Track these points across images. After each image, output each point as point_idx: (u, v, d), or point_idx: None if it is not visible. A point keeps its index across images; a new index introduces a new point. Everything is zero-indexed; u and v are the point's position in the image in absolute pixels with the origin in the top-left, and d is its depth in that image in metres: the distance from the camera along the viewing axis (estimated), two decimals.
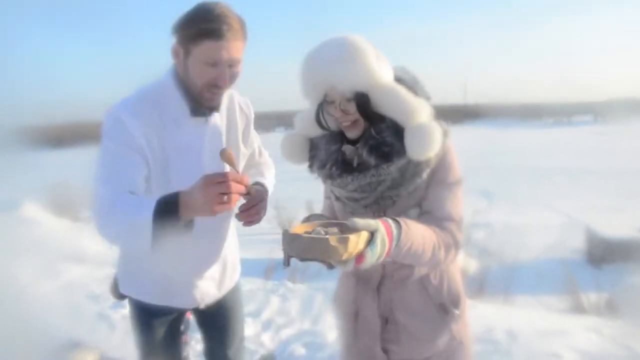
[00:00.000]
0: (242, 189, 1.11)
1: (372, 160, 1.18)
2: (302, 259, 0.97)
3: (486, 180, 10.42)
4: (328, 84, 1.18)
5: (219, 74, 1.34)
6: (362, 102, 1.17)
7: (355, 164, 1.24)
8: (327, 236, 0.95)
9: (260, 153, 1.77)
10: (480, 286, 4.37)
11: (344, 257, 0.94)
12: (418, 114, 1.16)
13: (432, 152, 1.15)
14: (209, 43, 1.30)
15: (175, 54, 1.37)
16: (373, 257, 0.97)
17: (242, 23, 1.35)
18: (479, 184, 9.96)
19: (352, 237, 0.94)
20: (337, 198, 1.33)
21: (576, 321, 3.24)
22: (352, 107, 1.19)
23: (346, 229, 1.02)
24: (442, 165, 1.21)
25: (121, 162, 1.30)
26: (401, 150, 1.17)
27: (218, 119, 1.48)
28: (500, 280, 4.45)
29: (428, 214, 1.21)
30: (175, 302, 1.62)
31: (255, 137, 1.71)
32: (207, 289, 1.63)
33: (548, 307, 4.17)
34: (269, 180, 1.71)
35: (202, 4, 1.33)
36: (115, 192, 1.23)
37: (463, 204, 1.23)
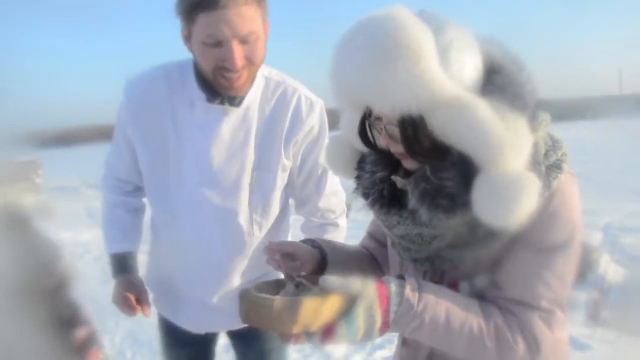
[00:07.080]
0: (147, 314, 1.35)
1: (423, 212, 0.78)
2: (253, 325, 0.75)
3: None
4: (364, 99, 0.79)
5: (225, 54, 1.09)
6: (410, 133, 0.75)
7: (409, 205, 0.84)
8: (274, 297, 0.70)
9: (320, 191, 1.36)
10: (628, 300, 3.82)
11: (294, 329, 0.68)
12: (504, 153, 0.71)
13: (514, 220, 0.72)
14: (204, 17, 1.06)
15: (184, 37, 1.17)
16: (351, 334, 0.71)
17: None
18: (633, 183, 8.82)
19: (307, 302, 0.68)
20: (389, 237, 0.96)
21: None
22: None
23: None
24: (539, 219, 0.75)
25: (114, 150, 1.40)
26: (469, 201, 0.75)
27: (247, 111, 1.24)
28: None
29: (496, 289, 0.82)
30: (179, 321, 1.43)
31: (320, 166, 1.33)
32: (213, 316, 1.39)
33: None
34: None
35: None
36: (107, 186, 1.45)
37: (568, 282, 0.81)
